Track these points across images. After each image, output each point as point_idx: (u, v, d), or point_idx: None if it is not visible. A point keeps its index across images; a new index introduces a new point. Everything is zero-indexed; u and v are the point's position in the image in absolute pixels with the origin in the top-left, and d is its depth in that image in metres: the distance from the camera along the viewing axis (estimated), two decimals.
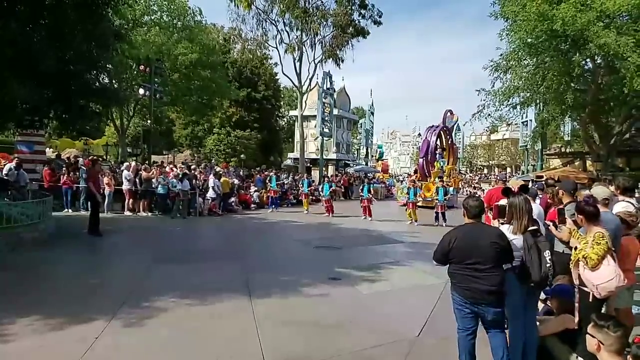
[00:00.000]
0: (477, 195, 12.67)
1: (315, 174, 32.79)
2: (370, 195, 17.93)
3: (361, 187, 19.33)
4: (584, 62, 20.13)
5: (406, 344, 4.92)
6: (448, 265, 3.91)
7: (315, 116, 33.40)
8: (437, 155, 24.78)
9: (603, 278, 3.75)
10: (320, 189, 20.90)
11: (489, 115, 23.19)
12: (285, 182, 23.33)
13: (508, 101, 21.93)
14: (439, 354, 4.77)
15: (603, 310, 4.06)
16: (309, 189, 20.04)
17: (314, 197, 21.89)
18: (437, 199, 16.62)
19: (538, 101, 23.45)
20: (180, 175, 16.03)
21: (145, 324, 5.24)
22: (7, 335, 4.74)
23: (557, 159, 34.00)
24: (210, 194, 16.89)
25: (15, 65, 8.66)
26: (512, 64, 20.96)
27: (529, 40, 18.87)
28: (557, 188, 6.15)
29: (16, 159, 13.61)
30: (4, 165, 13.90)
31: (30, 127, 12.05)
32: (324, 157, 33.98)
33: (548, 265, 3.71)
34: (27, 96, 9.10)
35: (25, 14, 9.32)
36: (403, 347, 4.82)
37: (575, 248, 4.09)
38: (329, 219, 17.06)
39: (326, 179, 20.75)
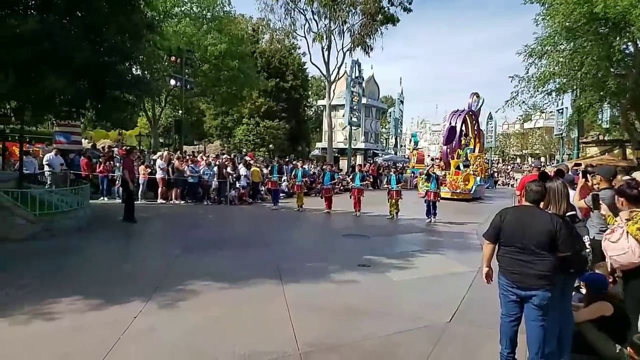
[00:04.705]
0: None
1: (344, 163, 32.71)
2: (362, 185, 15.36)
3: (352, 176, 16.57)
4: (624, 46, 19.27)
5: (437, 330, 4.88)
6: (497, 249, 3.79)
7: (343, 105, 33.26)
8: (462, 142, 23.88)
9: (618, 250, 3.71)
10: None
11: (523, 102, 22.50)
12: (314, 171, 23.09)
13: (543, 87, 21.20)
14: (470, 340, 4.72)
15: None
16: (304, 179, 16.56)
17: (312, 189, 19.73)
18: (428, 187, 13.88)
19: (575, 87, 22.58)
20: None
21: (180, 306, 5.37)
22: (49, 313, 4.97)
23: (594, 147, 32.76)
24: (242, 182, 17.17)
25: (53, 58, 8.93)
26: (548, 49, 20.21)
27: (567, 24, 18.16)
28: (595, 173, 5.94)
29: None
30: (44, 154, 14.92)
31: (67, 118, 12.49)
32: (353, 146, 33.82)
33: (587, 250, 3.60)
34: (64, 88, 9.37)
35: (61, 7, 9.59)
36: (434, 333, 4.79)
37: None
38: (347, 211, 14.74)
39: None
